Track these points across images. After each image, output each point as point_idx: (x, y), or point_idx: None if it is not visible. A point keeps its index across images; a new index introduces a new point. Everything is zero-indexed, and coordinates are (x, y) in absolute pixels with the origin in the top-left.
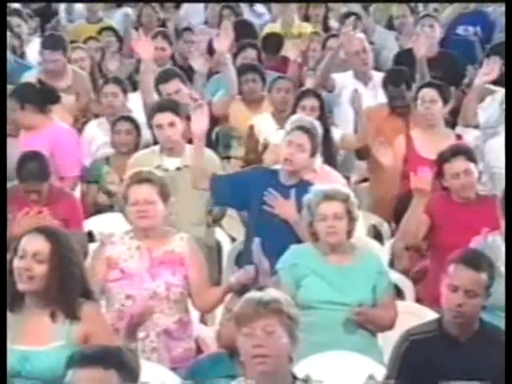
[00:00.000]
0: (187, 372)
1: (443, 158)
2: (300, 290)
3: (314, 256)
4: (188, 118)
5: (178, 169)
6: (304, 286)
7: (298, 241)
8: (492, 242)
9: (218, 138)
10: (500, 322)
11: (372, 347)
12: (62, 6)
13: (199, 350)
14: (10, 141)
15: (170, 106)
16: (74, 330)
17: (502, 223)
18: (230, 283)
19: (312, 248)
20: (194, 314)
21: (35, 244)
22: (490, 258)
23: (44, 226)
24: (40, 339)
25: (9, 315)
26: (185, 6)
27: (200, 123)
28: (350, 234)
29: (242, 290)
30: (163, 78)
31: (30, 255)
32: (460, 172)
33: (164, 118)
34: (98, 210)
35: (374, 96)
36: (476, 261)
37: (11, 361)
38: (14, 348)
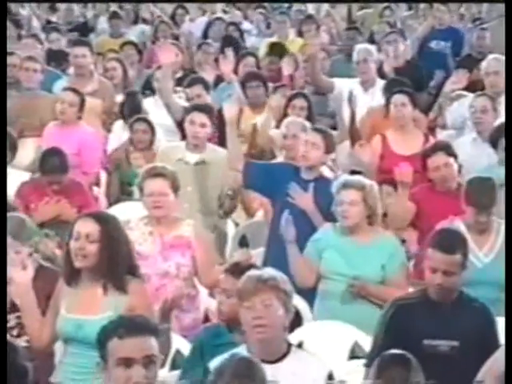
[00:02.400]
0: (196, 339)
1: (426, 154)
2: (321, 261)
3: (335, 233)
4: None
5: (197, 163)
6: (324, 258)
7: (314, 228)
8: (455, 225)
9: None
10: (479, 294)
11: (372, 318)
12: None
13: (208, 320)
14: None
15: (206, 108)
16: (122, 303)
17: (467, 210)
18: (231, 263)
19: (334, 227)
20: (204, 290)
21: (87, 227)
22: (463, 237)
23: (94, 211)
24: (93, 309)
25: (65, 288)
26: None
27: (231, 110)
28: (369, 219)
29: (239, 270)
30: (189, 82)
31: (83, 236)
32: (441, 165)
33: (198, 117)
34: (118, 199)
35: (371, 100)
36: (449, 244)
37: (66, 328)
38: (69, 316)
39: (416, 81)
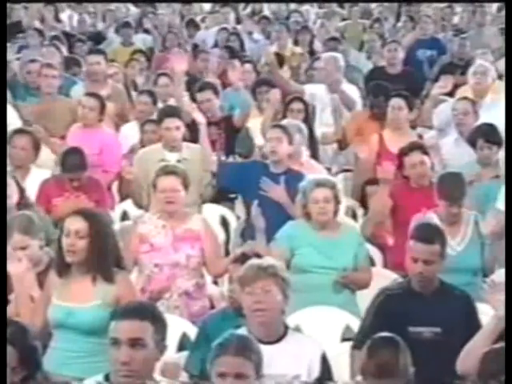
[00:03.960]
0: (203, 324)
1: (403, 153)
2: (295, 257)
3: (308, 230)
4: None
5: (179, 161)
6: (299, 254)
7: (288, 218)
8: (429, 218)
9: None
10: (454, 280)
11: (351, 303)
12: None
13: (213, 306)
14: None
15: (175, 112)
16: (109, 293)
17: (440, 203)
18: (236, 254)
19: (306, 224)
20: (208, 278)
21: (76, 224)
22: (440, 229)
23: (82, 208)
24: (82, 298)
25: (56, 279)
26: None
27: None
28: (336, 213)
29: (246, 259)
30: (200, 87)
31: (73, 233)
32: (416, 163)
33: (172, 122)
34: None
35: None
36: (428, 235)
37: (57, 315)
38: (59, 304)
39: (411, 88)
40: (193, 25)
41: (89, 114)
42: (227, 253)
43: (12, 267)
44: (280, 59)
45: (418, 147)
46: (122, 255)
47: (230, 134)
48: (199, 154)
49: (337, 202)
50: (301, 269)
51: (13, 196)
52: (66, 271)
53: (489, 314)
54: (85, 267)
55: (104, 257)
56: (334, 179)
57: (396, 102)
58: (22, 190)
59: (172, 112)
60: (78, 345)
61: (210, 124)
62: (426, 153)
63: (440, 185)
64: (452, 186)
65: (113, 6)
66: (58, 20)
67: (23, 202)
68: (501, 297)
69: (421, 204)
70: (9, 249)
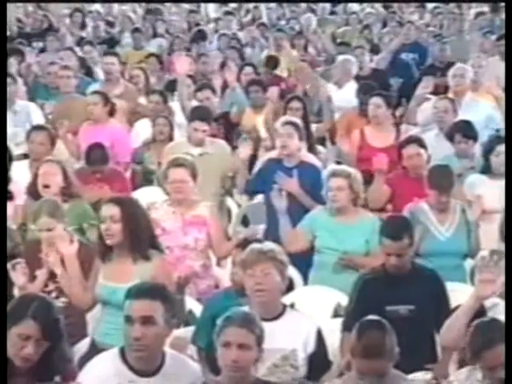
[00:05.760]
0: (208, 301)
1: (402, 145)
2: (316, 239)
3: (326, 216)
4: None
5: (201, 155)
6: (318, 236)
7: (302, 208)
8: (421, 206)
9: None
10: (443, 263)
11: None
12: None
13: (217, 286)
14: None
15: (207, 116)
16: (146, 272)
17: (430, 192)
18: (238, 238)
19: (324, 210)
20: (213, 260)
21: (109, 210)
22: (406, 221)
23: (114, 196)
24: (124, 278)
25: (100, 263)
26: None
27: (246, 152)
28: (354, 201)
29: (246, 244)
30: (199, 87)
31: (108, 219)
32: (413, 155)
33: (200, 125)
34: (142, 184)
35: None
36: (396, 232)
37: (102, 293)
38: (105, 284)
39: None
40: (198, 31)
41: (94, 109)
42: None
43: (64, 248)
44: (275, 61)
45: (416, 140)
46: (156, 236)
47: (228, 129)
48: (221, 148)
49: (353, 191)
50: (317, 250)
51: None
52: (108, 254)
53: (468, 292)
54: (123, 249)
55: (138, 237)
56: (352, 170)
57: (375, 100)
58: (35, 181)
59: (203, 115)
60: (120, 319)
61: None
62: (422, 146)
63: (430, 176)
64: (441, 177)
65: (125, 7)
66: (83, 26)
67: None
68: (479, 277)
69: (417, 193)
70: (60, 231)
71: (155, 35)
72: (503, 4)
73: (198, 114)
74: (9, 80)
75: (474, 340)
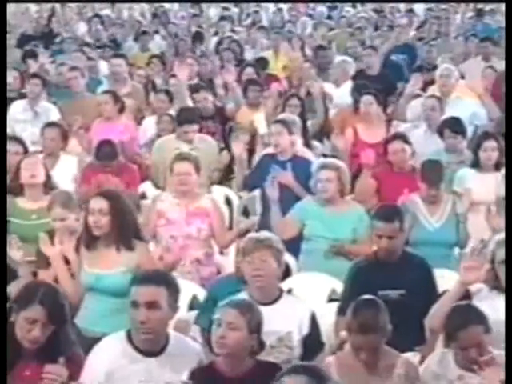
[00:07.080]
0: (211, 287)
1: (387, 141)
2: (305, 227)
3: (315, 205)
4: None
5: (191, 149)
6: (307, 225)
7: (297, 199)
8: (413, 199)
9: (230, 130)
10: (433, 252)
11: (341, 269)
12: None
13: (219, 272)
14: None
15: (195, 118)
16: (131, 260)
17: (421, 185)
18: (239, 228)
19: (313, 200)
20: (215, 249)
21: (98, 203)
22: (398, 208)
23: (102, 189)
24: (108, 265)
25: (86, 252)
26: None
27: (239, 148)
28: (341, 192)
29: (246, 233)
30: (195, 88)
31: (97, 211)
32: (398, 150)
33: (191, 128)
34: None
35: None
36: (388, 215)
37: (88, 280)
38: (90, 271)
39: (388, 87)
40: (199, 34)
41: (104, 107)
42: (231, 227)
43: (48, 249)
44: (265, 62)
45: (400, 137)
46: (140, 228)
47: (224, 124)
48: (209, 144)
49: (341, 182)
50: (307, 237)
51: (39, 178)
52: (93, 243)
53: (455, 279)
54: (109, 239)
55: (125, 230)
56: (340, 163)
57: (366, 98)
58: (49, 176)
59: (191, 119)
60: (105, 305)
61: (207, 119)
62: (406, 142)
63: (422, 170)
64: (432, 171)
65: (134, 7)
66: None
67: (48, 186)
68: (464, 264)
69: (402, 186)
70: (72, 221)
71: (159, 37)
72: (503, 4)
73: (185, 117)
74: (32, 81)
75: (450, 322)
